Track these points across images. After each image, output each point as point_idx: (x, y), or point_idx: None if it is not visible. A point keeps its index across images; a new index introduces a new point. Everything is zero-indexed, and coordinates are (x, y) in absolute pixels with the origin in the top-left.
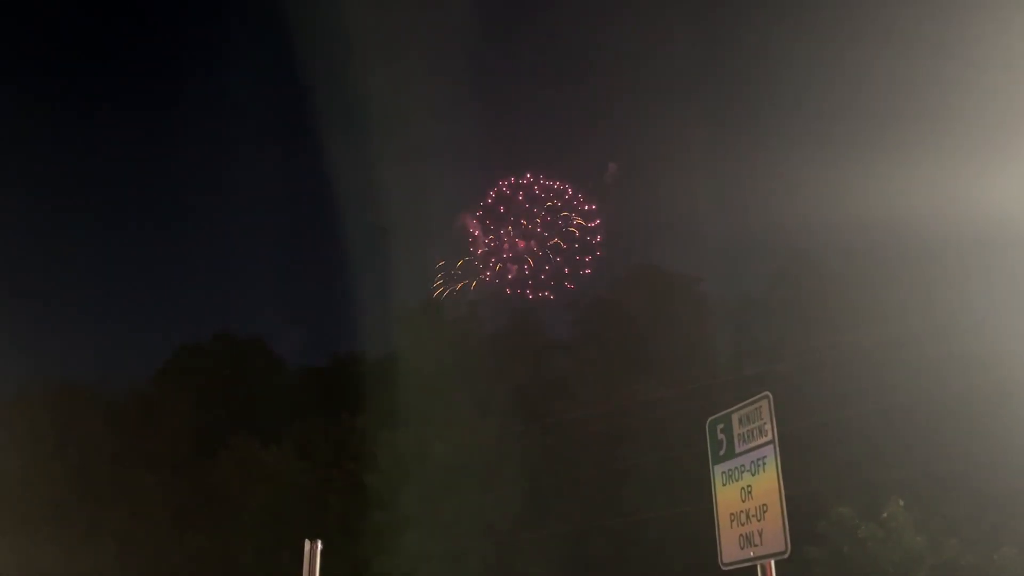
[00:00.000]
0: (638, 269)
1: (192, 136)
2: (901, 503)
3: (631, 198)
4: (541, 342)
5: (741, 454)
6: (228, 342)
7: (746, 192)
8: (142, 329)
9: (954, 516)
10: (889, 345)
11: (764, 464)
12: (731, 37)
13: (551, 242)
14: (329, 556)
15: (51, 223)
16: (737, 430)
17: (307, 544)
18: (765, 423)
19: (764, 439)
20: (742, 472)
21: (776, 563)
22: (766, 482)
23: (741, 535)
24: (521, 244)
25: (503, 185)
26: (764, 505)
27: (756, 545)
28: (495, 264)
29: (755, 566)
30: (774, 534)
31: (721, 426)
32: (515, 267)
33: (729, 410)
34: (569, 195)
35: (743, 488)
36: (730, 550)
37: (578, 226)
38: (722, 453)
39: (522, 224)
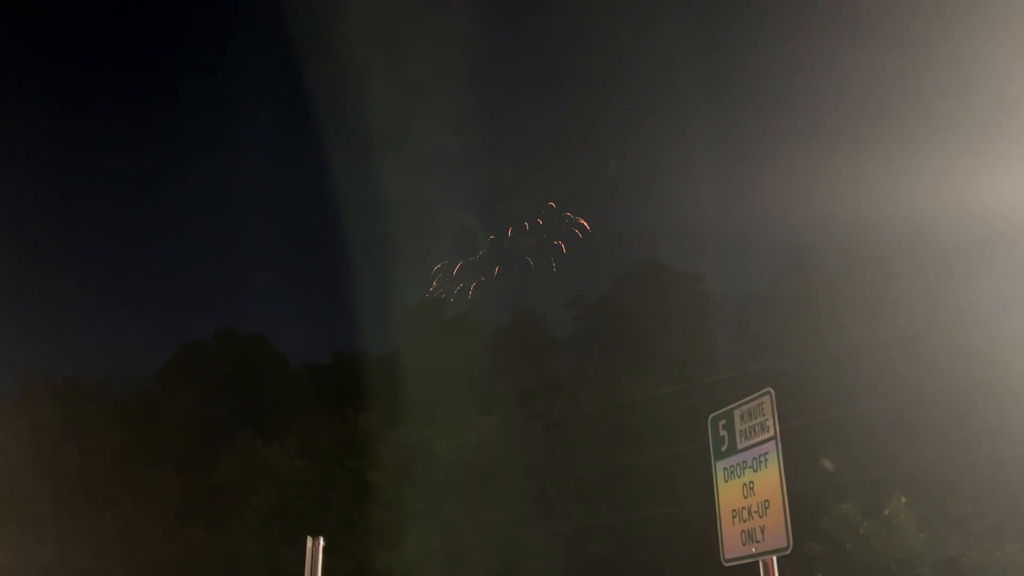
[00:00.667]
0: (640, 266)
1: (197, 135)
2: (903, 500)
3: (632, 195)
4: (543, 340)
5: (743, 450)
6: (231, 339)
7: (749, 189)
8: (146, 326)
9: (956, 513)
10: (891, 342)
11: (766, 460)
12: (734, 34)
13: (553, 242)
14: (332, 553)
15: (55, 220)
16: (739, 426)
17: (310, 541)
18: (767, 419)
19: (766, 435)
20: (744, 468)
21: (778, 560)
22: (768, 478)
23: (743, 531)
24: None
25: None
26: (766, 501)
27: (758, 541)
28: (497, 262)
29: (757, 563)
30: (776, 530)
31: (723, 422)
32: (517, 266)
33: (731, 406)
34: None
35: (745, 484)
36: (732, 546)
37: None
38: (724, 449)
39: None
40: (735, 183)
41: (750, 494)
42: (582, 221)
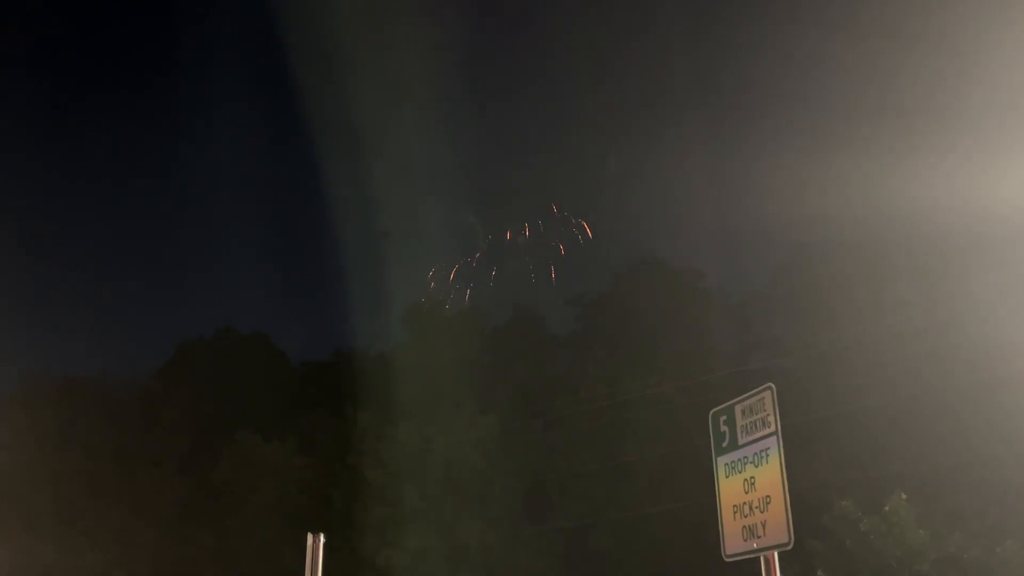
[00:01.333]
0: (639, 264)
1: (195, 133)
2: (904, 497)
3: (631, 193)
4: (543, 338)
5: (744, 445)
6: (231, 338)
7: (748, 186)
8: (145, 325)
9: (957, 510)
10: (892, 339)
11: (767, 456)
12: (730, 30)
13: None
14: (332, 551)
15: (53, 218)
16: (740, 422)
17: (310, 538)
18: (768, 414)
19: (767, 430)
20: (745, 464)
21: (779, 558)
22: (769, 474)
23: (744, 527)
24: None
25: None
26: (767, 497)
27: (759, 537)
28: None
29: (758, 558)
30: (777, 526)
31: (724, 418)
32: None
33: (732, 402)
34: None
35: (746, 480)
36: (733, 542)
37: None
38: (725, 445)
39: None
40: (734, 180)
41: (751, 489)
42: (584, 224)
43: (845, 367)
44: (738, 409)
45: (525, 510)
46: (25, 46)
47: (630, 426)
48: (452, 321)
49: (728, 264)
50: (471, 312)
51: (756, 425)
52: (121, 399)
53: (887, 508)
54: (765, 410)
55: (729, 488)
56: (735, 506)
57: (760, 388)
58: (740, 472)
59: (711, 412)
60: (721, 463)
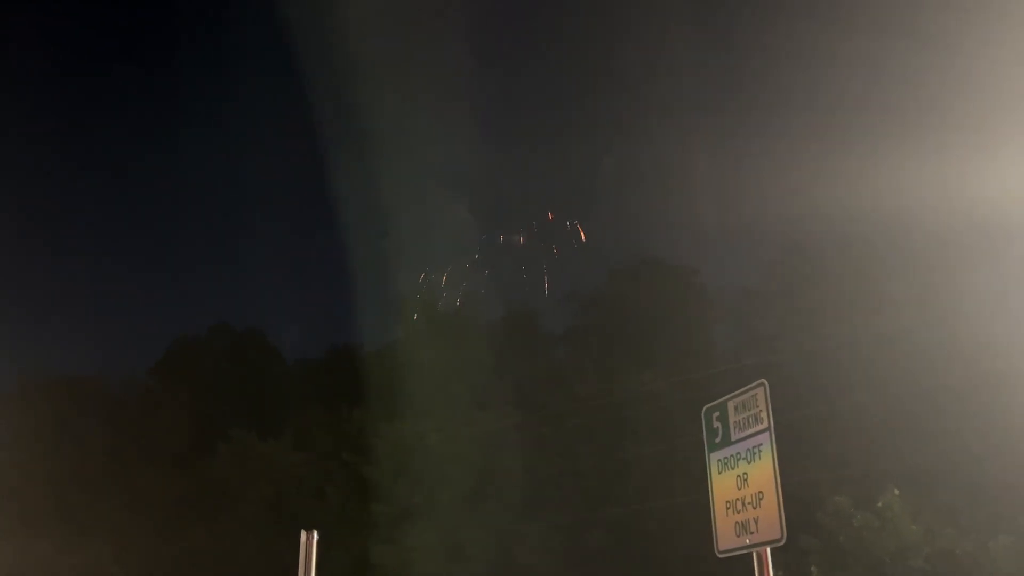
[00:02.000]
0: (635, 261)
1: (193, 131)
2: (897, 492)
3: (627, 190)
4: (539, 334)
5: (737, 441)
6: (226, 334)
7: (744, 183)
8: (141, 322)
9: (950, 505)
10: (886, 336)
11: (760, 451)
12: (727, 28)
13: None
14: (328, 548)
15: (50, 216)
16: (733, 418)
17: (303, 535)
18: (761, 410)
19: (760, 426)
20: (738, 460)
21: (772, 553)
22: (762, 469)
23: (737, 523)
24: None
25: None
26: (760, 493)
27: (752, 533)
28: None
29: (751, 554)
30: (770, 522)
31: (717, 414)
32: (513, 261)
33: (725, 397)
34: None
35: (739, 476)
36: (726, 538)
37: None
38: (718, 441)
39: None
40: (730, 177)
41: (744, 485)
42: (578, 226)
43: (838, 364)
44: (731, 405)
45: (522, 507)
46: (25, 39)
47: (627, 422)
48: (448, 318)
49: (722, 261)
50: (467, 309)
51: (749, 421)
52: (117, 396)
53: (880, 504)
54: (758, 406)
55: (722, 484)
56: (728, 502)
57: (753, 384)
58: (733, 468)
59: (704, 408)
60: (714, 459)
